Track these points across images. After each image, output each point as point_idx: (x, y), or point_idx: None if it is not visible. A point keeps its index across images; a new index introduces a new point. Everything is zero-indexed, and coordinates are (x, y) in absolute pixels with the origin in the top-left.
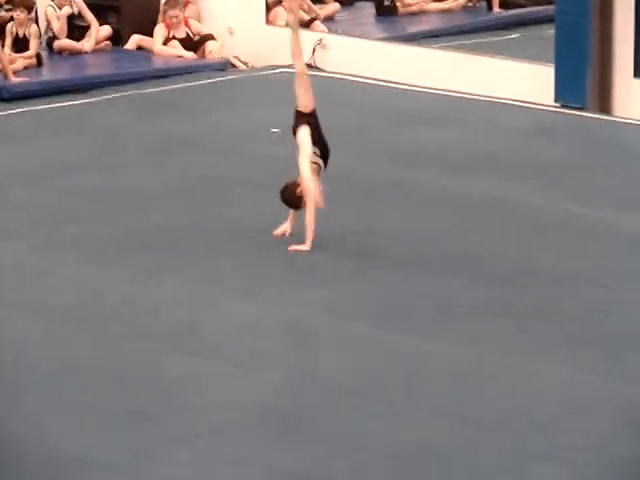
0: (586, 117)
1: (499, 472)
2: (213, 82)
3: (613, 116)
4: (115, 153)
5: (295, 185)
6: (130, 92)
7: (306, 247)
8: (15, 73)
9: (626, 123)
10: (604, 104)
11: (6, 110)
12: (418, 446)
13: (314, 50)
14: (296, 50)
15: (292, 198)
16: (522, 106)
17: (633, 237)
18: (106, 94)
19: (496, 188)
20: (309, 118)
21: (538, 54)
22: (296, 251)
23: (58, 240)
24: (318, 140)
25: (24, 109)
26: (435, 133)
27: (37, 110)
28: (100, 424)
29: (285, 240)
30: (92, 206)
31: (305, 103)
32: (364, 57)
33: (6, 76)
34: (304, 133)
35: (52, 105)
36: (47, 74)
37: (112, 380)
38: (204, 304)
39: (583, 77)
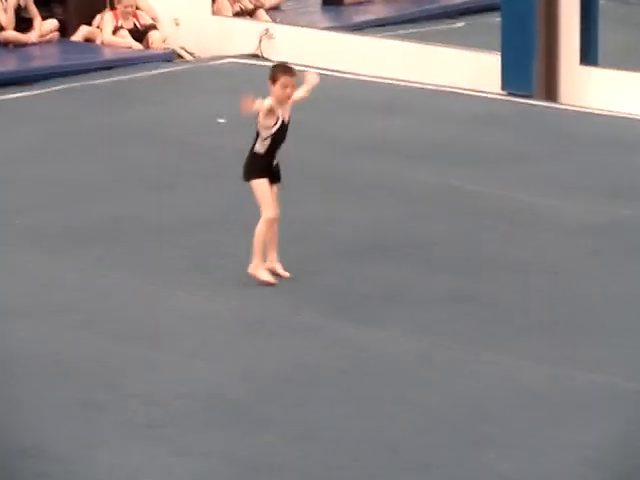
0: (533, 105)
1: (449, 459)
2: (160, 73)
3: (560, 103)
4: (62, 145)
5: None
6: (77, 84)
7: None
8: None
9: (573, 111)
10: (550, 92)
11: None
12: (367, 434)
13: (260, 40)
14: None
15: None
16: (470, 94)
17: (580, 225)
18: (53, 86)
19: (445, 176)
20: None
21: (484, 42)
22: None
23: (4, 232)
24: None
25: None
26: (383, 122)
27: None
28: (49, 415)
29: (236, 231)
30: (39, 198)
31: None
32: (311, 47)
33: None
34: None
35: None
36: None
37: (61, 370)
38: (153, 294)
39: (529, 65)
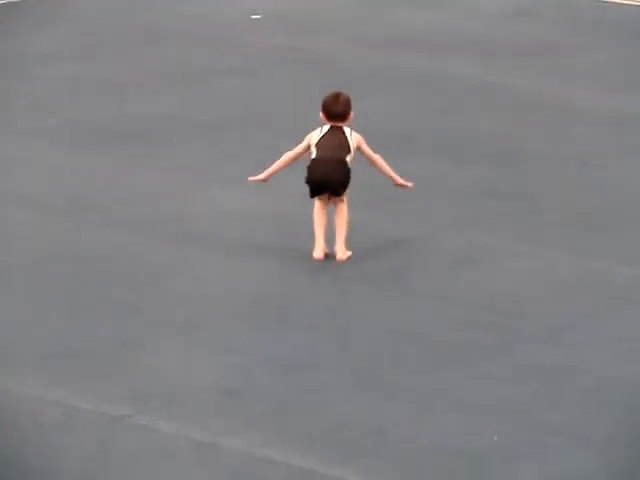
0: None
1: (486, 352)
2: None
3: None
4: (94, 44)
5: None
6: None
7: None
8: None
9: (606, 2)
10: None
11: None
12: (407, 329)
13: None
14: None
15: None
16: None
17: (613, 117)
18: None
19: (478, 71)
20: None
21: None
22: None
23: (39, 131)
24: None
25: (3, 1)
26: (416, 16)
27: (15, 2)
28: (85, 314)
29: (267, 127)
30: (72, 96)
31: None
32: None
33: None
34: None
35: None
36: None
37: (96, 270)
38: (189, 192)
39: None
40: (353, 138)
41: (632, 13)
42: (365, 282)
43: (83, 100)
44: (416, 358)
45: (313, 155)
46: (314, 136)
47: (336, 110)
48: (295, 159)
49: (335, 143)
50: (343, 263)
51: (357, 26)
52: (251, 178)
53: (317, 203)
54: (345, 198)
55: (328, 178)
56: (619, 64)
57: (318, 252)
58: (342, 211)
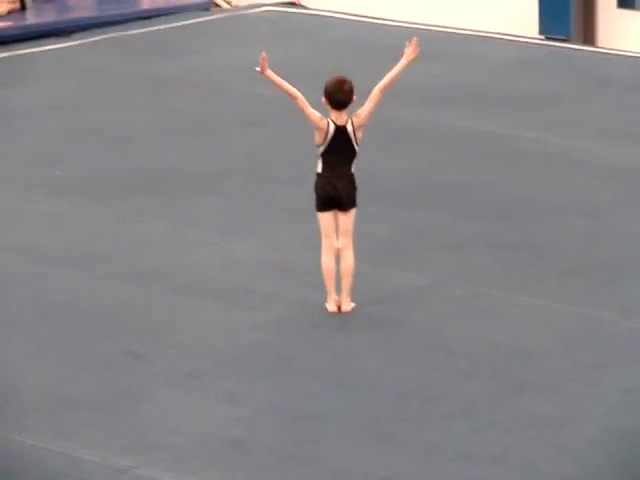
0: (570, 49)
1: (491, 405)
2: (197, 22)
3: (597, 47)
4: (101, 95)
5: None
6: (114, 34)
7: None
8: None
9: (610, 54)
10: (588, 35)
11: None
12: (411, 380)
13: None
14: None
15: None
16: (506, 39)
17: (616, 167)
18: (90, 36)
19: (482, 121)
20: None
21: None
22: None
23: (45, 182)
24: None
25: (8, 54)
26: (419, 68)
27: (22, 54)
28: (89, 365)
29: (274, 180)
30: (78, 148)
31: None
32: None
33: None
34: None
35: (37, 49)
36: (31, 18)
37: (100, 321)
38: (192, 243)
39: (567, 9)
40: (356, 129)
41: (634, 64)
42: (369, 332)
43: (87, 151)
44: (420, 409)
45: (319, 169)
46: (321, 126)
47: (340, 98)
48: (297, 103)
49: (340, 154)
50: (347, 313)
51: (356, 77)
52: (258, 68)
53: (325, 254)
54: (351, 245)
55: (335, 195)
56: (622, 115)
57: (332, 306)
58: (348, 259)
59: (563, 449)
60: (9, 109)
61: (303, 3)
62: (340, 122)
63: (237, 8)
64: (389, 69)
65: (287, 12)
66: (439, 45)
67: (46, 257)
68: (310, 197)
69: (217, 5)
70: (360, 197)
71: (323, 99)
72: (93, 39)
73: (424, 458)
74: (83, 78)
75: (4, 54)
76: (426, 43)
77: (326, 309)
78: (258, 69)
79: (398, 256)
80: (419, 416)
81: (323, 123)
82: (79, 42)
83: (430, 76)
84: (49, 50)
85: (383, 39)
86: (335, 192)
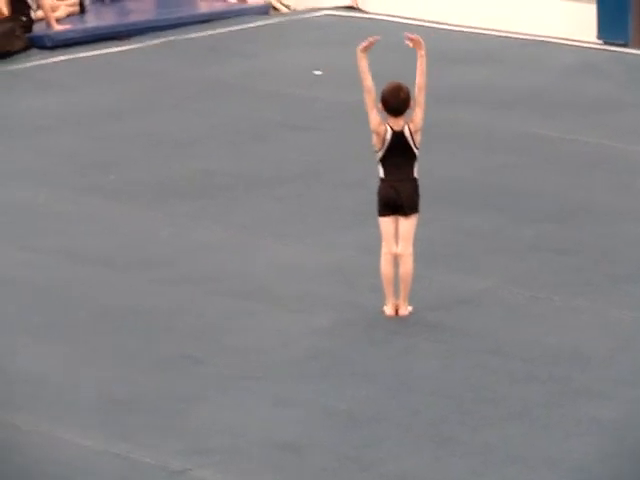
0: (629, 53)
1: (548, 409)
2: (256, 26)
3: None
4: (157, 99)
5: None
6: (173, 38)
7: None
8: (58, 21)
9: None
10: None
11: (49, 58)
12: (468, 383)
13: None
14: None
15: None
16: (565, 44)
17: None
18: (149, 40)
19: (540, 126)
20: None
21: None
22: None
23: (100, 186)
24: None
25: (67, 57)
26: (479, 72)
27: (80, 58)
28: (145, 368)
29: (329, 184)
30: (134, 152)
31: None
32: None
33: (49, 24)
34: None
35: (95, 52)
36: (90, 21)
37: (156, 324)
38: (247, 247)
39: (625, 13)
40: (413, 133)
41: None
42: (426, 336)
43: (142, 156)
44: (477, 412)
45: (381, 174)
46: (379, 131)
47: (396, 105)
48: (367, 98)
49: (400, 159)
50: (405, 317)
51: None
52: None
53: (384, 259)
54: (411, 250)
55: (397, 199)
56: None
57: (390, 309)
58: (407, 264)
59: (619, 454)
60: (67, 112)
61: (362, 7)
62: (397, 127)
63: (295, 12)
64: (446, 73)
65: (346, 16)
66: (497, 49)
67: (101, 260)
68: (366, 200)
69: (276, 9)
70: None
71: (380, 105)
72: (151, 43)
73: (481, 461)
74: (140, 82)
75: (63, 57)
76: (484, 47)
77: (384, 312)
78: (317, 72)
79: (456, 260)
80: (476, 419)
81: (381, 128)
82: (137, 46)
83: (489, 79)
84: (107, 53)
85: (441, 43)
86: (397, 196)
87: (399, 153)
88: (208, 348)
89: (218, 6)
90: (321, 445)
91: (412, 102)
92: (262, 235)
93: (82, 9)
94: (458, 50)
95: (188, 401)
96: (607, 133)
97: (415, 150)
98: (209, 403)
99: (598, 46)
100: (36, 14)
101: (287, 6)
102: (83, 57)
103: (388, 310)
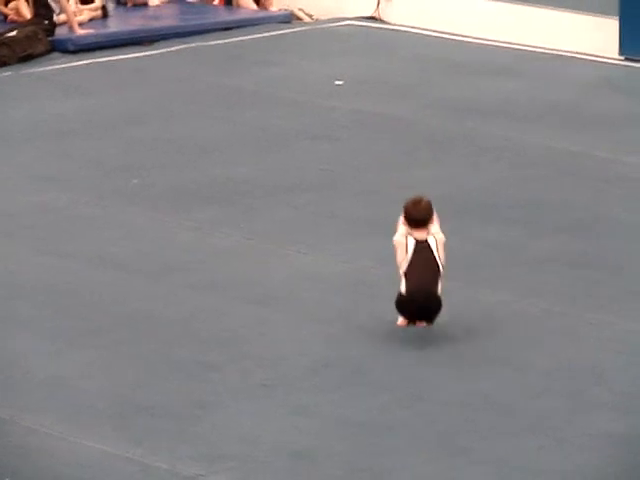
0: None
1: (562, 422)
2: (278, 34)
3: None
4: (178, 105)
5: None
6: (195, 44)
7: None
8: (81, 25)
9: None
10: None
11: (71, 62)
12: (482, 395)
13: (379, 2)
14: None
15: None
16: (586, 59)
17: None
18: (171, 46)
19: (560, 140)
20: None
21: (603, 7)
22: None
23: (122, 191)
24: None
25: (89, 61)
26: (499, 85)
27: (102, 62)
28: (162, 373)
29: (348, 193)
30: (156, 157)
31: None
32: (429, 10)
33: (72, 28)
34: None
35: (117, 57)
36: (113, 26)
37: (175, 330)
38: (266, 255)
39: None
40: (438, 244)
41: None
42: (442, 346)
43: (164, 162)
44: (491, 423)
45: (403, 288)
46: (400, 242)
47: (417, 216)
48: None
49: (424, 273)
50: (420, 327)
51: (437, 92)
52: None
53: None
54: None
55: (422, 311)
56: None
57: (402, 319)
58: None
59: (633, 469)
60: (90, 117)
61: (384, 18)
62: (420, 238)
63: (318, 22)
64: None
65: (368, 27)
66: (519, 63)
67: (121, 265)
68: (384, 210)
69: (298, 18)
70: (438, 211)
71: (402, 219)
72: (174, 49)
73: (494, 472)
74: (162, 88)
75: (85, 62)
76: (506, 61)
77: (399, 322)
78: (338, 82)
79: (473, 271)
80: (490, 431)
81: (401, 241)
82: (160, 51)
83: (509, 92)
84: (129, 59)
85: (463, 55)
86: (418, 313)
87: (423, 264)
88: (226, 355)
89: (241, 14)
90: (335, 454)
91: (434, 214)
92: (280, 243)
93: (105, 14)
94: (479, 63)
95: (204, 407)
96: (628, 149)
97: (440, 263)
98: (225, 410)
99: (620, 62)
100: (59, 18)
101: (310, 15)
102: (105, 61)
103: (400, 320)
